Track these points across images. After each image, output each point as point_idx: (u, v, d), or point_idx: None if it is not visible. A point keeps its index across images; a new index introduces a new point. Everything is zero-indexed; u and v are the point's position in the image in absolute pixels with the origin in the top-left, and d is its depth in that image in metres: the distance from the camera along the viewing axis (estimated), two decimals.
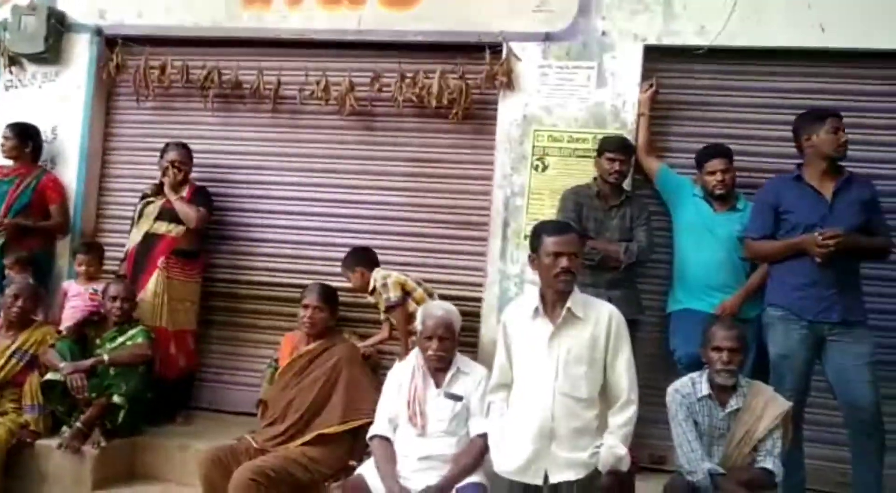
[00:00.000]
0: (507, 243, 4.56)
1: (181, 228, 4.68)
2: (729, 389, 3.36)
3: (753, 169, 4.35)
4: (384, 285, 4.29)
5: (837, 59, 4.34)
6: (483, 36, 4.60)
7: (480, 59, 4.58)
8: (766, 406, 3.34)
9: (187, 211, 4.66)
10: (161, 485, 4.21)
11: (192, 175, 4.87)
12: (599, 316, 3.05)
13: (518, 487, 3.04)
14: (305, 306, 4.03)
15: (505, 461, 3.08)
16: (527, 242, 4.43)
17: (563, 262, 2.99)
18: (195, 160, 4.88)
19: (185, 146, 4.83)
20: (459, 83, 4.60)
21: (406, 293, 4.30)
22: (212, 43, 5.12)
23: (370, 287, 4.38)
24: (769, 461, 3.27)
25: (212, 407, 5.03)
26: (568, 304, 3.01)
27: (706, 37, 4.35)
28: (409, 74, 4.70)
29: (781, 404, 3.35)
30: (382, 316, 4.48)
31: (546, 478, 2.99)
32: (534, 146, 4.54)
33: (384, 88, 4.78)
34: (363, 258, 4.49)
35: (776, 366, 3.72)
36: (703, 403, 3.38)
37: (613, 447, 2.96)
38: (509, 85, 4.56)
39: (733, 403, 3.35)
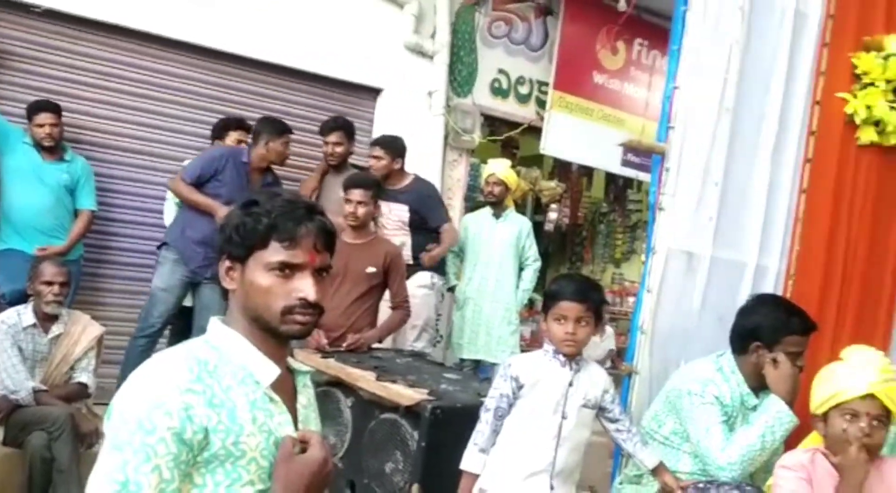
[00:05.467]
0: None
1: None
2: (52, 317, 3.93)
3: (78, 126, 4.89)
4: None
5: (139, 37, 5.04)
6: None
7: None
8: (84, 331, 4.03)
9: None
10: None
11: None
12: None
13: None
14: None
15: None
16: None
17: None
18: None
19: None
20: None
21: None
22: None
23: None
24: (84, 376, 3.99)
25: None
26: None
27: None
28: None
29: (97, 329, 4.09)
30: None
31: None
32: None
33: None
34: None
35: (154, 295, 4.51)
36: (28, 331, 3.88)
37: None
38: None
39: (55, 329, 3.94)
